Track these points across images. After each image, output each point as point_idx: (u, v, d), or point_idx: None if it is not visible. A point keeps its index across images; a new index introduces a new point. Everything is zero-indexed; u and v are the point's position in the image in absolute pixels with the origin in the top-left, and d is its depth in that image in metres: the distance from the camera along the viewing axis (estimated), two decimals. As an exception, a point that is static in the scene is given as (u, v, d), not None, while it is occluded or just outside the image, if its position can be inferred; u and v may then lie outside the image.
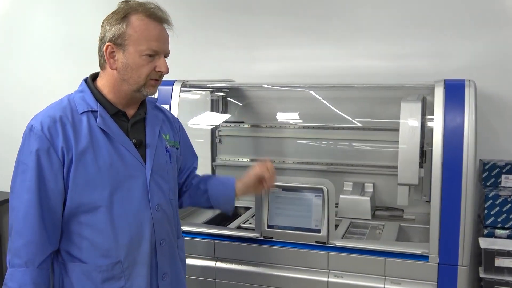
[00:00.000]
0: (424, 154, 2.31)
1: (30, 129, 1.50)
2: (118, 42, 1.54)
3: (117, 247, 1.55)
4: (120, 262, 1.55)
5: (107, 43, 1.54)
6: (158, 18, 1.58)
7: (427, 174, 2.26)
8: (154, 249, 1.63)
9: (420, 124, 2.16)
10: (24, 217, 1.47)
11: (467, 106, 2.02)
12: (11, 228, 1.50)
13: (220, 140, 3.05)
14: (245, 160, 3.01)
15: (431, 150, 2.06)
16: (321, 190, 2.14)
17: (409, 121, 2.16)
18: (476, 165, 2.48)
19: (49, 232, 1.50)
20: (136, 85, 1.58)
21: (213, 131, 3.04)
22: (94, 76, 1.65)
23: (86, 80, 1.64)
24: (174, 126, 1.84)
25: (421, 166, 2.23)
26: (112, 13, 1.58)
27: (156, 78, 1.61)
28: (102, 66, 1.60)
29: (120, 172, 1.55)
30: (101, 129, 1.55)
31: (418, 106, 2.16)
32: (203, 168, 3.02)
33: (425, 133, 2.32)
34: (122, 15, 1.54)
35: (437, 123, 2.04)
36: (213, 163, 3.05)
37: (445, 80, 2.10)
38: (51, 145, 1.48)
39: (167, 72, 1.61)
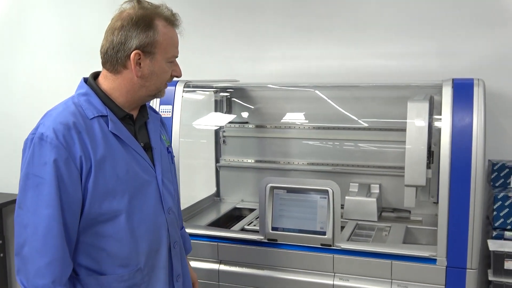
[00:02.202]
0: (432, 155, 2.28)
1: (40, 138, 1.36)
2: (147, 50, 1.46)
3: (137, 255, 1.50)
4: (140, 269, 1.51)
5: (135, 51, 1.44)
6: (176, 24, 1.55)
7: (434, 174, 2.22)
8: (169, 252, 1.61)
9: (427, 124, 2.12)
10: (46, 234, 1.34)
11: (476, 105, 1.98)
12: (22, 246, 1.36)
13: (224, 141, 3.02)
14: (249, 161, 2.97)
15: (439, 150, 2.02)
16: (326, 191, 2.11)
17: (416, 121, 2.12)
18: (485, 166, 2.44)
19: (69, 247, 1.39)
20: (155, 91, 1.55)
21: (217, 131, 3.02)
22: (95, 76, 1.55)
23: (86, 81, 1.53)
24: (166, 127, 1.82)
25: (428, 167, 2.19)
26: (133, 16, 1.45)
27: (169, 82, 1.59)
28: (115, 71, 1.49)
29: (136, 178, 1.50)
30: (114, 134, 1.47)
31: (425, 106, 2.11)
32: (207, 169, 3.04)
33: (433, 133, 2.28)
34: (147, 22, 1.45)
35: (445, 123, 2.00)
36: (217, 164, 3.02)
37: (453, 79, 2.06)
38: (69, 154, 1.36)
39: (181, 76, 1.60)
